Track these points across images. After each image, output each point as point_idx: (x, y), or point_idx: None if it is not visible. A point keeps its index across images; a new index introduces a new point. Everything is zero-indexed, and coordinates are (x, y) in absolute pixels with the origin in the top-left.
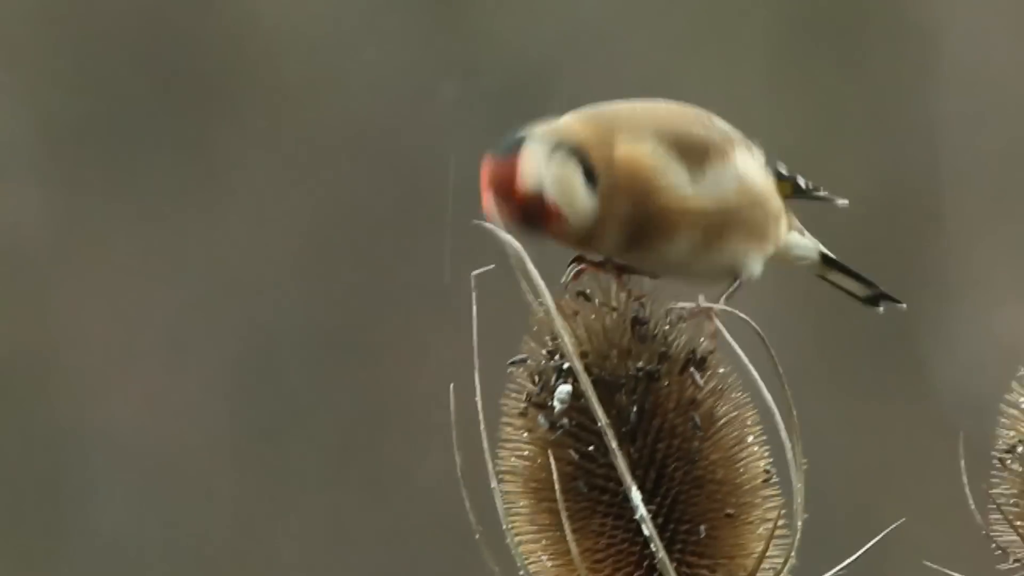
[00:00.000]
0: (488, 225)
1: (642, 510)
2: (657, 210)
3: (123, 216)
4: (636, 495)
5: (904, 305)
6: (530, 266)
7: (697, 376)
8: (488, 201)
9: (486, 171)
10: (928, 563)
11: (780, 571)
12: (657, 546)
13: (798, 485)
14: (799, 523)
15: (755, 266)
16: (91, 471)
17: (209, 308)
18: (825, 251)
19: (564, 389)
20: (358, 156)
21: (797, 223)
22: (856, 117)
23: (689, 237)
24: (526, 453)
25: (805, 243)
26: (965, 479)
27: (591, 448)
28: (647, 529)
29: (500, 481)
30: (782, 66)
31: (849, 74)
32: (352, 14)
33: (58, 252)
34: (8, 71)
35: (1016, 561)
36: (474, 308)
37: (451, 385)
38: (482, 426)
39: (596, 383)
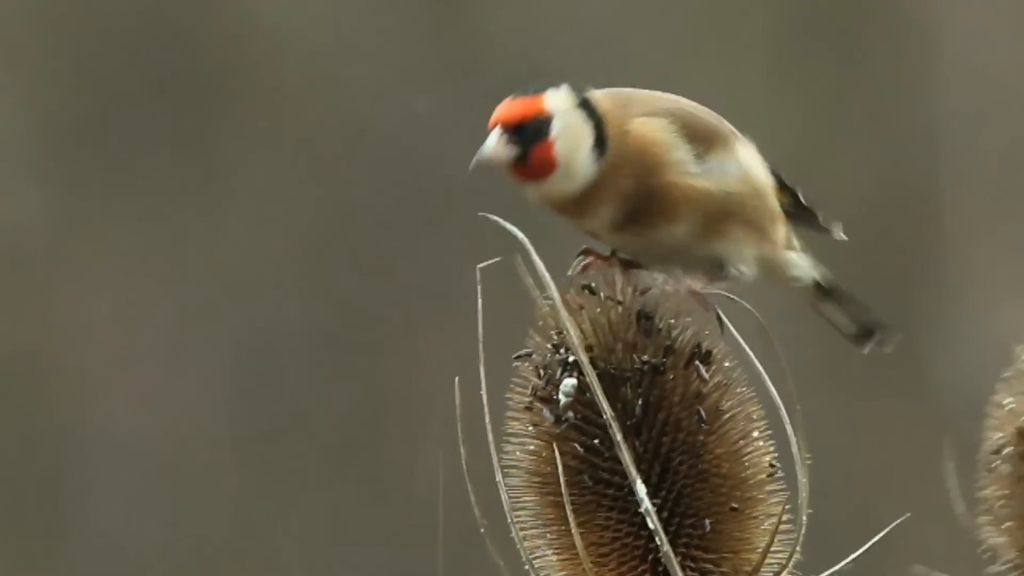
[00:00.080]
0: (494, 217)
1: (647, 504)
2: (662, 185)
3: (123, 216)
4: (641, 489)
5: (895, 342)
6: (536, 259)
7: (702, 370)
8: (495, 117)
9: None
10: (924, 565)
11: (785, 566)
12: (662, 540)
13: (803, 480)
14: (804, 518)
15: (748, 264)
16: (91, 471)
17: (209, 308)
18: (820, 279)
19: (569, 383)
20: (358, 156)
21: (796, 243)
22: (856, 117)
23: (689, 220)
24: (531, 447)
25: (802, 264)
26: (953, 483)
27: (596, 442)
28: (652, 523)
29: (505, 475)
30: (782, 66)
31: (849, 74)
32: (352, 14)
33: (58, 252)
34: (8, 71)
35: (1006, 563)
36: (479, 301)
37: (456, 379)
38: (487, 420)
39: (601, 377)
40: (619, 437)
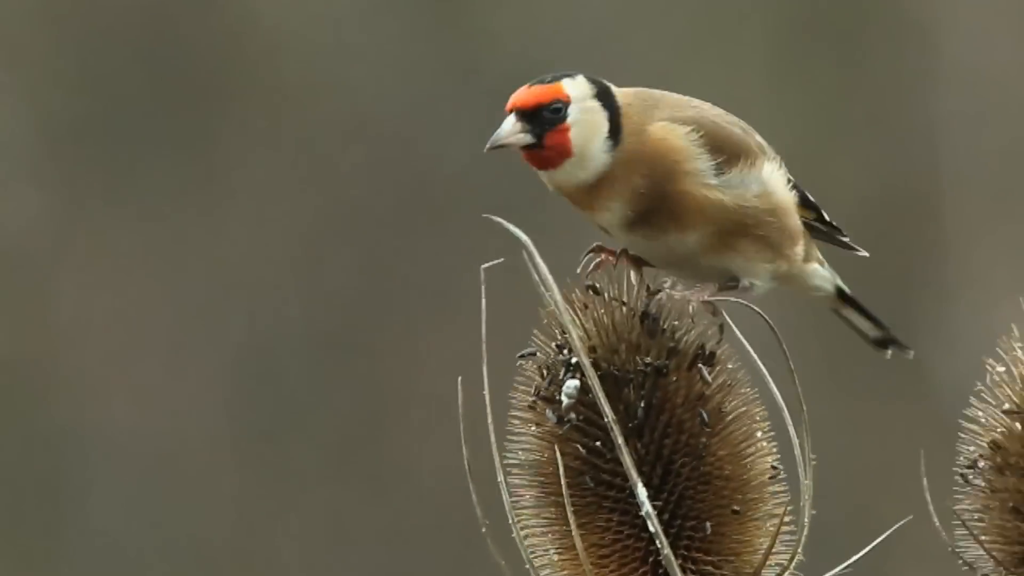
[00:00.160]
0: (497, 219)
1: (647, 506)
2: (676, 192)
3: (123, 216)
4: (642, 491)
5: (912, 353)
6: (538, 260)
7: (705, 372)
8: (512, 102)
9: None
10: (923, 566)
11: (786, 567)
12: (662, 543)
13: (806, 481)
14: (806, 519)
15: (761, 279)
16: (91, 471)
17: (209, 308)
18: (842, 286)
19: (572, 384)
20: (358, 156)
21: (818, 255)
22: (856, 117)
23: (701, 231)
24: (533, 447)
25: (824, 275)
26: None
27: (598, 443)
28: (652, 526)
29: (507, 475)
30: (782, 66)
31: (849, 74)
32: (352, 14)
33: (58, 252)
34: (8, 71)
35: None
36: (483, 301)
37: (459, 378)
38: (489, 419)
39: (604, 378)
40: (620, 440)
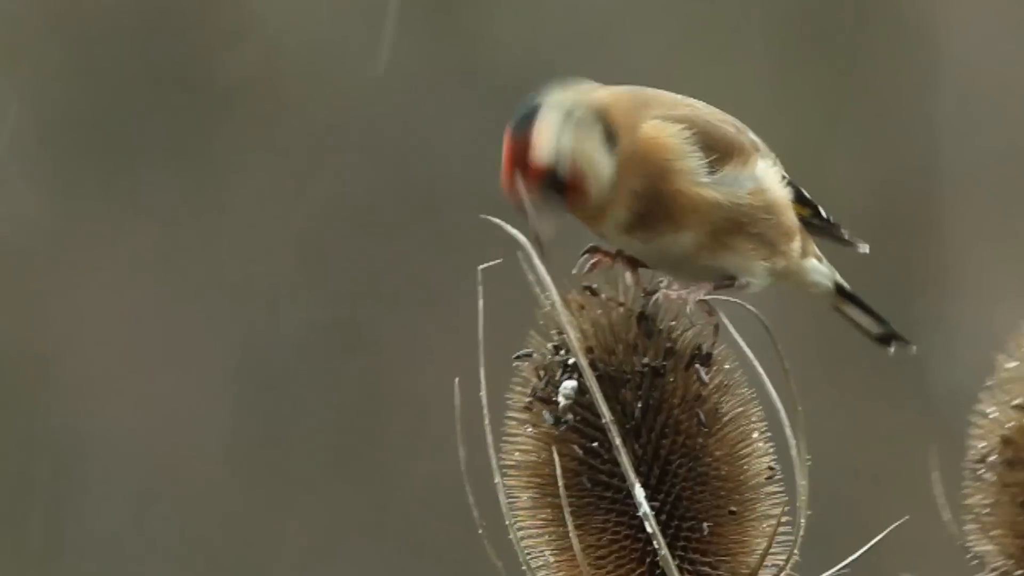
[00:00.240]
0: (495, 220)
1: (645, 507)
2: (669, 192)
3: (123, 217)
4: (639, 492)
5: (914, 348)
6: (537, 261)
7: (702, 372)
8: (508, 177)
9: (505, 146)
10: (922, 567)
11: (783, 568)
12: (659, 544)
13: (802, 482)
14: (803, 520)
15: (758, 277)
16: (91, 471)
17: (209, 308)
18: (841, 282)
19: (569, 385)
20: (358, 156)
21: (816, 250)
22: (856, 117)
23: (696, 230)
24: (530, 448)
25: (822, 270)
26: (939, 490)
27: (595, 444)
28: (650, 527)
29: (504, 476)
30: (782, 66)
31: (849, 74)
32: (352, 15)
33: (58, 252)
34: (8, 71)
35: (993, 570)
36: (480, 302)
37: (456, 380)
38: (486, 420)
39: (601, 379)
40: (618, 441)
